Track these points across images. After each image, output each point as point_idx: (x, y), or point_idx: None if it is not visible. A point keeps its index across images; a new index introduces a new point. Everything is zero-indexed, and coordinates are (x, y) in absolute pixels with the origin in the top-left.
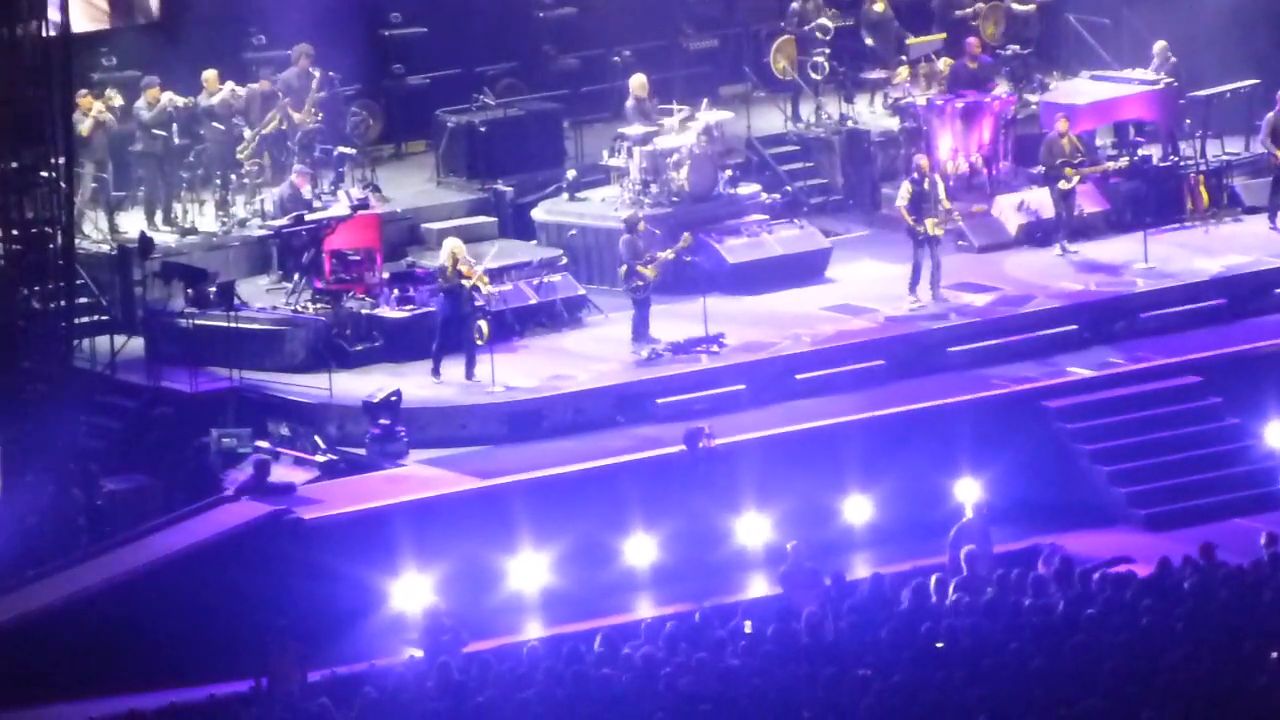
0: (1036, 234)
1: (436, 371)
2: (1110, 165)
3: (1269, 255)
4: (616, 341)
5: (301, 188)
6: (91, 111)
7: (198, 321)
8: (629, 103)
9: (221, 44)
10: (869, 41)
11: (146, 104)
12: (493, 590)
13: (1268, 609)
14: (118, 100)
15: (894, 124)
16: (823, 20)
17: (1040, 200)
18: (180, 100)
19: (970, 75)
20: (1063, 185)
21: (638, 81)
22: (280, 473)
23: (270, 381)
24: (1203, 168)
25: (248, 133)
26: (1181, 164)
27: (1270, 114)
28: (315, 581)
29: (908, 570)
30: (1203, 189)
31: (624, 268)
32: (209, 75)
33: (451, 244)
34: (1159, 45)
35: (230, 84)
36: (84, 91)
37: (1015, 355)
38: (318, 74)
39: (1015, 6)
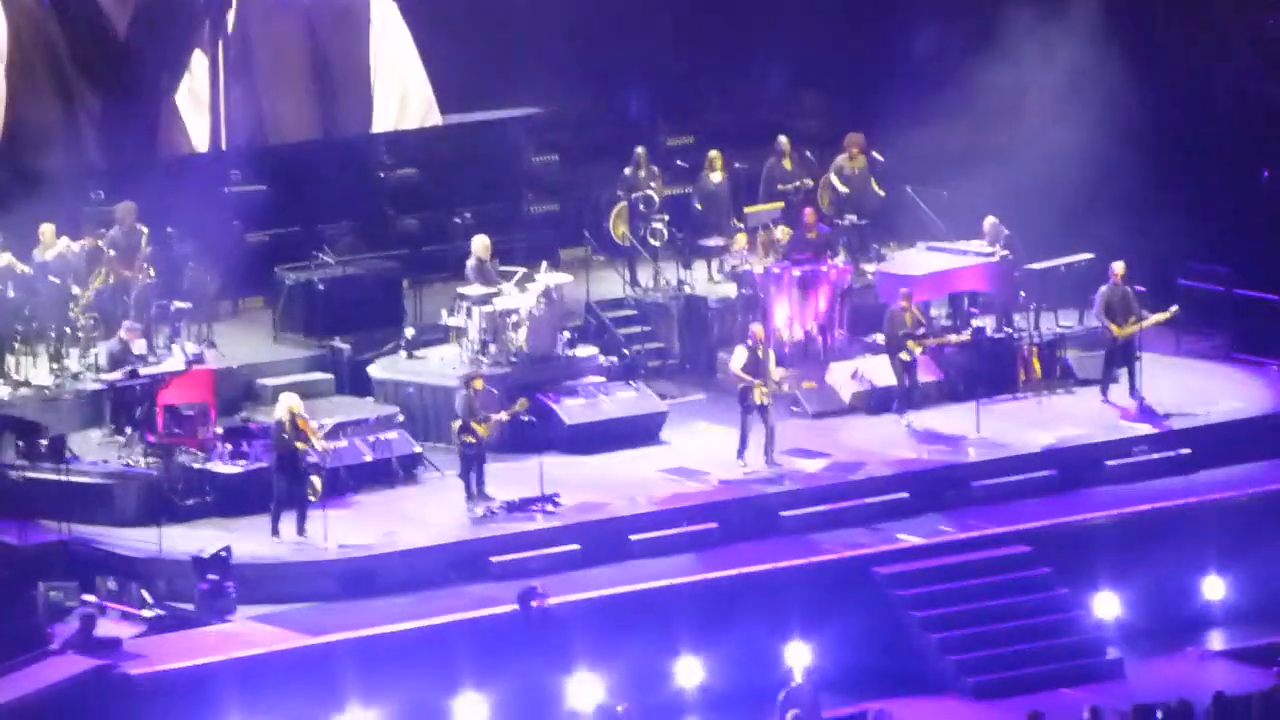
0: (870, 402)
1: (276, 530)
2: (953, 338)
3: (1100, 428)
4: (452, 500)
5: (131, 343)
6: None
7: (28, 474)
8: (470, 263)
9: (61, 198)
10: (701, 210)
11: None
12: None
13: None
14: None
15: (731, 291)
16: (648, 192)
17: (874, 368)
18: (19, 265)
19: (808, 244)
20: (904, 356)
21: (480, 243)
22: (107, 627)
23: (100, 535)
24: (1036, 340)
25: (77, 290)
26: (1015, 336)
27: (1104, 288)
28: None
29: None
30: (1036, 361)
31: (457, 423)
32: (46, 230)
33: (288, 399)
34: (990, 220)
35: (65, 239)
36: None
37: (847, 521)
38: (145, 230)
39: (836, 184)
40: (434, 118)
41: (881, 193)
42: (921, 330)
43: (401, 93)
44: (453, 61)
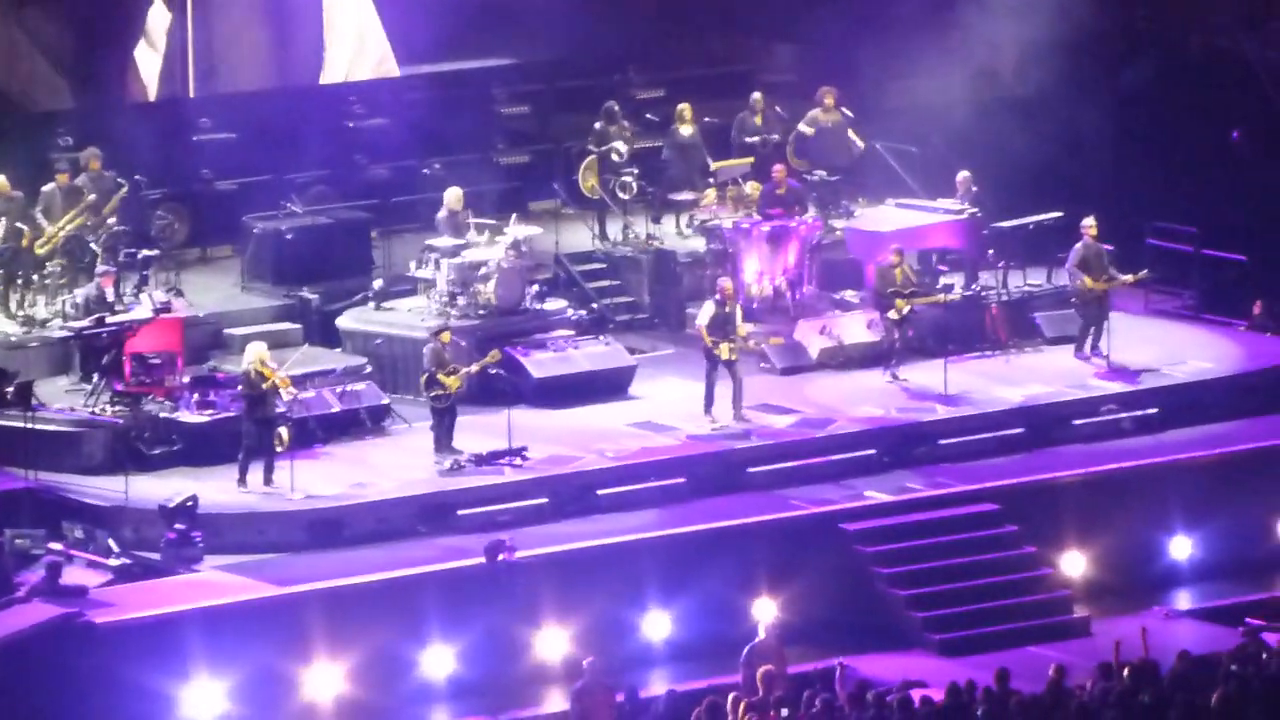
0: (838, 358)
1: (243, 480)
2: (942, 297)
3: (1068, 386)
4: (420, 451)
5: (106, 289)
6: None
7: None
8: (441, 214)
9: (28, 144)
10: (674, 163)
11: None
12: (286, 700)
13: None
14: None
15: (700, 245)
16: (617, 144)
17: (843, 325)
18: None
19: (778, 199)
20: (892, 315)
21: (453, 194)
22: (73, 575)
23: (66, 483)
24: (1004, 298)
25: (49, 228)
26: (983, 293)
27: (1079, 244)
28: (105, 687)
29: (703, 688)
30: (1003, 319)
31: (425, 376)
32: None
33: (256, 348)
34: (962, 175)
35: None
36: None
37: (814, 477)
38: (110, 176)
39: (803, 129)
40: (389, 69)
41: (861, 144)
42: (910, 289)
43: (357, 42)
44: (426, 10)
